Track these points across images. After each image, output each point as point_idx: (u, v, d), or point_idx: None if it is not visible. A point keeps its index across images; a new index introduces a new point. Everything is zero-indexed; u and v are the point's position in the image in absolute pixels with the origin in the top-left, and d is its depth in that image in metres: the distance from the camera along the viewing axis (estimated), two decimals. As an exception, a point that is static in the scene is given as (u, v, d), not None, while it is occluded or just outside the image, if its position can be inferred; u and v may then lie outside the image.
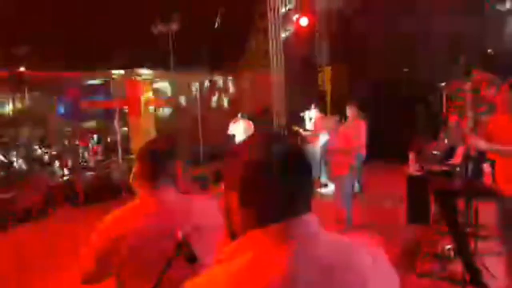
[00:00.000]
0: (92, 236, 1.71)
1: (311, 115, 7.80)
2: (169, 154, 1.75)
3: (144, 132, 8.38)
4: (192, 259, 1.55)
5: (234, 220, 0.94)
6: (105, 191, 8.05)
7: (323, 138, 7.20)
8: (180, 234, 1.56)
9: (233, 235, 0.96)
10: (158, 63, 11.10)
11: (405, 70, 10.49)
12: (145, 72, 10.29)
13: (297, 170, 0.90)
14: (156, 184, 1.70)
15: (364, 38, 10.02)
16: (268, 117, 12.40)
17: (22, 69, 12.95)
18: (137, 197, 1.74)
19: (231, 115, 11.75)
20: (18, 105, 8.25)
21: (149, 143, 1.83)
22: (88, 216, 6.76)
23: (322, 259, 0.87)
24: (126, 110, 8.77)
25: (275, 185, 0.88)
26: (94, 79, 9.21)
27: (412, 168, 5.29)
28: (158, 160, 1.71)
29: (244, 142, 0.98)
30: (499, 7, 9.61)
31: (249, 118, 11.65)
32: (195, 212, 1.75)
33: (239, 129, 8.13)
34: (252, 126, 8.40)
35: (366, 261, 0.91)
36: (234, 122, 8.31)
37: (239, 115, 8.33)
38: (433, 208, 4.60)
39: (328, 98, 10.89)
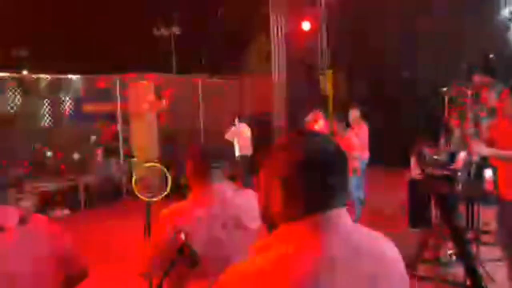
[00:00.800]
0: (152, 230, 1.88)
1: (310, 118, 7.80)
2: (217, 153, 1.96)
3: (146, 135, 8.39)
4: (193, 261, 1.55)
5: (273, 211, 0.98)
6: (106, 194, 8.06)
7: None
8: (182, 236, 1.57)
9: (270, 226, 1.00)
10: (161, 66, 11.15)
11: (406, 74, 10.52)
12: (148, 75, 10.32)
13: (338, 166, 0.97)
14: (209, 180, 1.87)
15: (365, 41, 10.05)
16: (269, 121, 12.41)
17: (24, 72, 13.02)
18: (190, 194, 1.90)
19: (232, 118, 11.77)
20: (20, 107, 8.27)
21: (197, 144, 2.06)
22: (89, 220, 6.79)
23: (359, 248, 0.94)
24: (129, 113, 8.78)
25: (318, 178, 0.94)
26: (97, 82, 9.22)
27: (414, 172, 5.29)
28: (209, 158, 1.90)
29: (290, 135, 1.04)
30: (502, 12, 9.64)
31: (249, 121, 11.66)
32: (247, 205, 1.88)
33: (237, 134, 8.19)
34: (249, 131, 8.47)
35: (397, 255, 1.02)
36: (231, 127, 8.37)
37: (236, 119, 8.33)
38: (435, 212, 4.60)
39: (330, 102, 10.89)
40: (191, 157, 1.96)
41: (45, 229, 1.78)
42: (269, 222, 1.00)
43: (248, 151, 8.48)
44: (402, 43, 9.60)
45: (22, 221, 1.70)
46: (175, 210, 1.85)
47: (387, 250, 1.01)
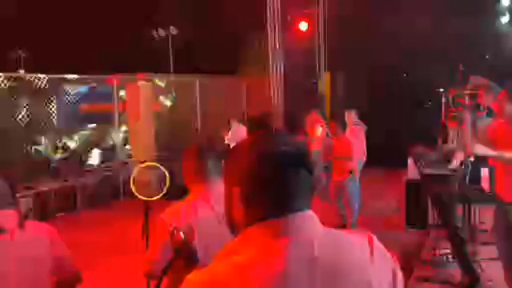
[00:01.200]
0: (154, 231, 1.87)
1: (308, 120, 7.81)
2: (215, 152, 1.98)
3: (143, 136, 8.38)
4: (192, 260, 1.56)
5: (235, 215, 0.96)
6: (104, 196, 8.05)
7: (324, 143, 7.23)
8: (181, 235, 1.58)
9: (232, 230, 0.98)
10: (158, 66, 11.15)
11: (404, 75, 10.56)
12: (146, 76, 10.31)
13: (298, 166, 0.92)
14: (208, 179, 1.89)
15: (363, 43, 10.07)
16: (266, 122, 12.41)
17: (21, 71, 12.98)
18: (190, 194, 1.92)
19: (230, 120, 11.78)
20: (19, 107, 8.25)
21: (193, 145, 2.05)
22: (85, 221, 6.78)
23: (320, 256, 0.88)
24: (126, 114, 8.77)
25: (276, 181, 0.90)
26: (94, 82, 9.21)
27: (411, 173, 5.31)
28: (205, 156, 1.92)
29: (247, 139, 1.01)
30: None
31: (248, 123, 11.65)
32: None
33: (236, 137, 8.10)
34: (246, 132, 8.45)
35: (366, 256, 0.93)
36: (230, 130, 8.33)
37: (232, 122, 8.29)
38: (432, 212, 4.62)
39: (328, 104, 10.92)
40: (187, 157, 1.98)
41: (42, 233, 1.84)
42: (232, 226, 0.98)
43: None
44: (400, 45, 9.64)
45: (21, 224, 1.75)
46: (173, 211, 1.85)
47: (355, 258, 0.92)
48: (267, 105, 11.20)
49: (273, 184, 0.90)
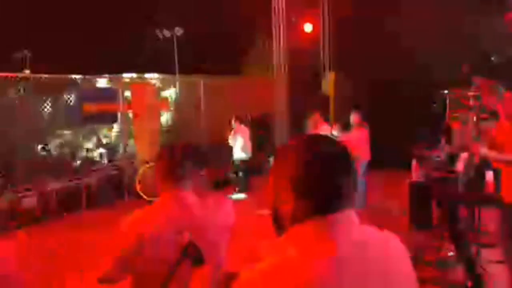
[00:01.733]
0: (116, 236, 1.80)
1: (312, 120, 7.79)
2: (190, 155, 1.82)
3: (148, 136, 8.41)
4: (198, 261, 1.58)
5: (281, 211, 1.00)
6: (108, 196, 8.09)
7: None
8: (187, 236, 1.60)
9: (279, 227, 1.01)
10: (163, 67, 11.18)
11: (408, 75, 10.52)
12: (150, 76, 10.35)
13: (345, 168, 0.99)
14: (177, 184, 1.77)
15: (367, 43, 10.06)
16: (270, 122, 12.43)
17: (27, 71, 13.05)
18: (159, 197, 1.82)
19: (231, 120, 11.79)
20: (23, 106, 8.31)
21: (171, 144, 1.99)
22: (90, 220, 6.80)
23: (368, 249, 0.95)
24: (131, 114, 8.81)
25: (326, 180, 0.96)
26: (99, 82, 9.26)
27: (415, 175, 5.31)
28: (179, 159, 1.78)
29: (298, 138, 1.06)
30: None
31: (251, 123, 11.64)
32: (210, 213, 1.83)
33: (237, 137, 8.14)
34: (248, 133, 8.47)
35: (404, 253, 1.05)
36: (231, 130, 8.31)
37: (234, 122, 8.32)
38: (436, 214, 4.62)
39: (331, 104, 10.91)
40: (161, 158, 1.83)
41: None
42: (278, 223, 1.02)
43: (248, 154, 8.48)
44: (404, 45, 9.62)
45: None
46: (139, 216, 1.78)
47: (395, 250, 1.03)
48: (270, 106, 11.22)
49: (324, 182, 0.95)
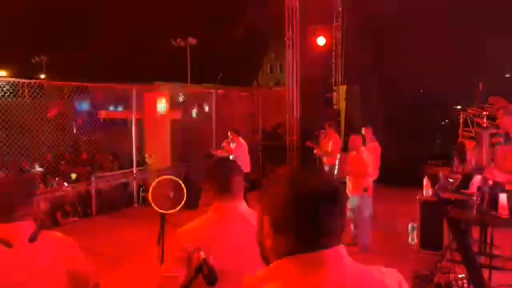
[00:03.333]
0: (172, 245, 1.88)
1: (322, 133, 7.77)
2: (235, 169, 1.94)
3: (159, 143, 8.48)
4: (212, 280, 1.58)
5: (266, 245, 0.99)
6: (117, 202, 8.15)
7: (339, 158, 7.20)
8: (202, 254, 1.61)
9: (265, 260, 1.01)
10: (176, 76, 11.30)
11: (421, 92, 10.50)
12: (163, 85, 10.46)
13: (333, 205, 0.94)
14: (228, 196, 1.87)
15: (380, 58, 10.07)
16: (280, 134, 12.43)
17: (42, 76, 13.23)
18: (211, 209, 1.90)
19: (245, 129, 11.79)
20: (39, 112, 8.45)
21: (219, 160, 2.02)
22: (98, 227, 6.85)
23: None
24: (143, 122, 8.90)
25: (310, 216, 0.92)
26: (112, 90, 9.38)
27: (426, 193, 5.25)
28: (231, 175, 1.90)
29: (284, 170, 1.03)
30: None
31: (263, 134, 11.63)
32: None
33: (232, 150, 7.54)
34: (246, 146, 7.82)
35: None
36: (227, 142, 7.69)
37: (231, 134, 7.70)
38: (447, 235, 4.55)
39: (342, 117, 10.90)
40: (212, 173, 1.95)
41: (55, 247, 1.76)
42: (264, 256, 1.01)
43: (246, 169, 7.85)
44: (417, 61, 9.59)
45: (33, 238, 1.69)
46: (192, 228, 1.86)
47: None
48: (281, 117, 11.24)
49: (306, 219, 0.92)
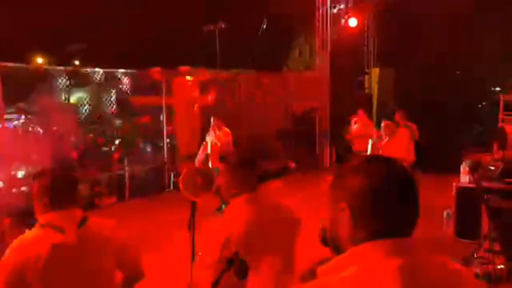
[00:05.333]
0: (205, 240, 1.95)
1: (354, 118, 7.58)
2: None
3: (189, 130, 8.57)
4: (243, 274, 1.57)
5: (340, 232, 0.98)
6: (150, 186, 8.36)
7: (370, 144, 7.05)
8: (233, 247, 1.60)
9: (335, 249, 1.00)
10: (205, 61, 11.31)
11: (457, 72, 10.03)
12: (193, 70, 10.50)
13: (409, 193, 0.97)
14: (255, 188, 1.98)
15: (414, 39, 9.67)
16: (310, 119, 12.27)
17: (76, 62, 13.61)
18: (234, 201, 1.96)
19: (275, 115, 11.73)
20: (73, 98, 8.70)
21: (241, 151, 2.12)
22: (131, 211, 7.04)
23: (431, 281, 0.90)
24: (174, 107, 9.00)
25: (393, 204, 0.94)
26: (145, 76, 9.49)
27: (464, 180, 5.05)
28: (254, 164, 2.02)
29: (360, 161, 1.02)
30: None
31: (294, 119, 11.50)
32: None
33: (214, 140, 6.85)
34: (229, 136, 6.99)
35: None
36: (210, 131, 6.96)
37: (213, 121, 7.01)
38: (485, 224, 4.38)
39: (375, 102, 10.62)
40: (239, 164, 2.00)
41: (103, 231, 1.85)
42: (333, 244, 1.00)
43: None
44: (454, 41, 9.14)
45: (81, 223, 1.78)
46: (227, 220, 1.89)
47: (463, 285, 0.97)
48: (312, 101, 11.08)
49: (387, 208, 0.94)
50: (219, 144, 6.78)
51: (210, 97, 9.60)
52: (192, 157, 7.42)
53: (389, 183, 0.95)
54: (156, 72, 8.72)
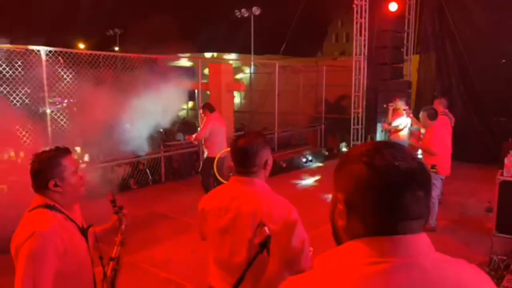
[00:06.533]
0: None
1: (399, 107, 7.30)
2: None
3: (223, 114, 8.61)
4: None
5: (337, 225, 0.93)
6: (185, 171, 8.52)
7: (406, 132, 6.84)
8: (267, 230, 1.60)
9: (336, 239, 0.96)
10: (240, 47, 11.30)
11: (503, 61, 9.46)
12: (227, 56, 10.52)
13: (419, 185, 0.85)
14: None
15: (456, 25, 9.20)
16: (344, 106, 12.05)
17: (116, 48, 13.93)
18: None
19: (307, 101, 11.60)
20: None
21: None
22: (166, 194, 7.21)
23: (425, 284, 0.82)
24: (208, 93, 9.07)
25: (393, 199, 0.84)
26: (179, 61, 9.61)
27: (507, 173, 4.82)
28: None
29: (362, 146, 0.93)
30: None
31: (326, 107, 11.33)
32: None
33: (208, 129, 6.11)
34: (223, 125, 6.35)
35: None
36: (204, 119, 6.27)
37: (201, 111, 6.50)
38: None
39: (413, 89, 10.25)
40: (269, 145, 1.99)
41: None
42: (335, 235, 0.95)
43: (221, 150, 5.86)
44: (500, 27, 8.61)
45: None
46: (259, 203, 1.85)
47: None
48: (346, 88, 10.85)
49: (388, 202, 0.84)
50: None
51: (243, 83, 9.59)
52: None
53: (387, 174, 0.84)
54: (191, 57, 8.80)
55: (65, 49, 6.29)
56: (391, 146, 0.90)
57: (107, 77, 7.36)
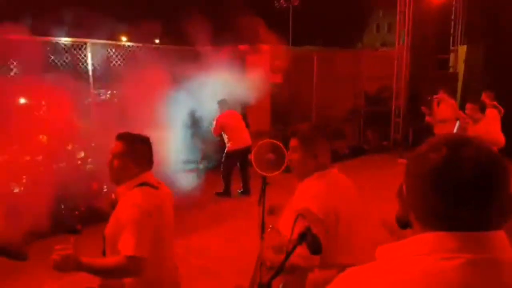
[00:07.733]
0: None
1: (435, 99, 7.00)
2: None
3: (260, 106, 8.60)
4: (315, 249, 1.54)
5: (409, 217, 0.90)
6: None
7: (454, 127, 6.55)
8: (306, 222, 1.57)
9: (399, 222, 0.92)
10: (278, 38, 11.20)
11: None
12: (264, 47, 10.47)
13: (492, 184, 0.82)
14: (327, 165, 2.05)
15: (508, 13, 8.65)
16: (385, 98, 11.70)
17: (156, 41, 14.20)
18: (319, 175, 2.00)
19: (346, 93, 11.36)
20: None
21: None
22: (205, 183, 7.31)
23: (504, 282, 0.79)
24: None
25: (472, 191, 0.81)
26: (218, 53, 9.64)
27: None
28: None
29: (439, 140, 0.89)
30: None
31: (366, 99, 11.05)
32: None
33: (225, 124, 6.53)
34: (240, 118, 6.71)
35: None
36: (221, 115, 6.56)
37: (220, 104, 6.65)
38: None
39: (460, 82, 9.78)
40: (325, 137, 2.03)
41: (170, 192, 2.27)
42: (403, 223, 0.94)
43: (245, 144, 6.55)
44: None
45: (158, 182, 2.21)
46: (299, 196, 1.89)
47: None
48: (387, 80, 10.53)
49: (462, 194, 0.81)
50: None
51: (281, 75, 9.52)
52: (262, 134, 7.47)
53: (474, 168, 0.81)
54: (229, 49, 8.82)
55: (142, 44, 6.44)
56: (473, 141, 0.87)
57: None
